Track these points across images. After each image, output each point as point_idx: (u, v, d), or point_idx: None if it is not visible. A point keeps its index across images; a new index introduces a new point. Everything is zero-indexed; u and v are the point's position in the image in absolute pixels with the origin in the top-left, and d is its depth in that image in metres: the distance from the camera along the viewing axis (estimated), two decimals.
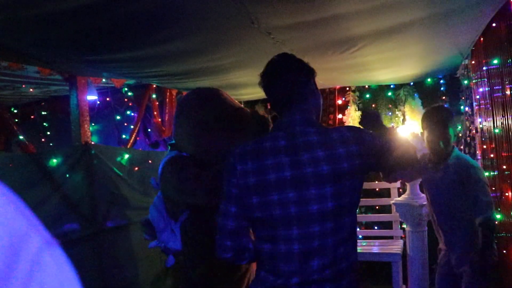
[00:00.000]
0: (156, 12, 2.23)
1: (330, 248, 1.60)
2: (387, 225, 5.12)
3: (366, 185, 5.35)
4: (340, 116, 5.53)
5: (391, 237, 5.02)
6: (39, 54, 3.00)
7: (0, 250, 0.47)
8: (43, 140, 6.73)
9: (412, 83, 5.25)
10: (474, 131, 4.40)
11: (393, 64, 4.23)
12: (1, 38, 2.61)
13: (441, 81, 5.13)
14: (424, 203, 4.20)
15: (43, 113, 6.95)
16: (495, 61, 3.02)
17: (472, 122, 4.53)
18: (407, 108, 5.23)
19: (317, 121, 1.76)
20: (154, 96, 5.24)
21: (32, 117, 6.64)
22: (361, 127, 1.73)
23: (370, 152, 1.66)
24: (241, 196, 1.65)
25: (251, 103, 5.75)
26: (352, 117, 5.40)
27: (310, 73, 1.80)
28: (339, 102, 5.54)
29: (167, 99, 5.26)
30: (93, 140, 6.24)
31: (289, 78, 1.73)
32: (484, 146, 3.80)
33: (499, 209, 3.20)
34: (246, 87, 4.56)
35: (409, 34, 3.19)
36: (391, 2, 2.46)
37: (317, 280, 1.59)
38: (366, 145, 1.66)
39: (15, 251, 0.48)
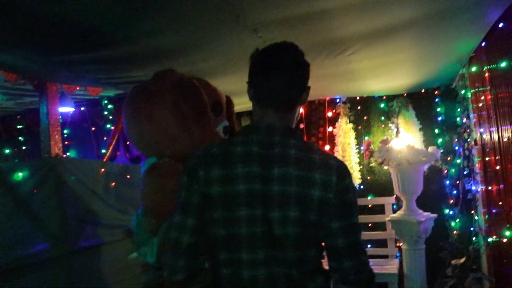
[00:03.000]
0: (127, 5, 1.97)
1: (295, 279, 1.38)
2: (382, 243, 4.84)
3: (359, 201, 5.08)
4: (330, 129, 5.27)
5: (386, 256, 4.73)
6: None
7: None
8: (20, 154, 6.42)
9: (405, 94, 5.03)
10: (473, 143, 4.17)
11: (386, 72, 4.02)
12: None
13: (436, 92, 4.91)
14: (422, 219, 3.95)
15: (18, 126, 6.64)
16: (503, 64, 2.77)
17: (469, 134, 4.32)
18: (400, 120, 5.00)
19: (299, 132, 1.49)
20: None
21: (11, 132, 6.34)
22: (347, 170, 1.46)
23: (339, 202, 1.37)
24: (202, 207, 1.39)
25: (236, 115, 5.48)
26: (343, 130, 5.15)
27: (307, 73, 1.48)
28: (329, 114, 5.29)
29: None
30: (71, 155, 5.93)
31: (285, 74, 1.42)
32: (487, 158, 3.55)
33: (508, 225, 2.94)
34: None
35: (405, 37, 2.98)
36: None
37: None
38: (341, 189, 1.38)
39: None
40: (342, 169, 1.41)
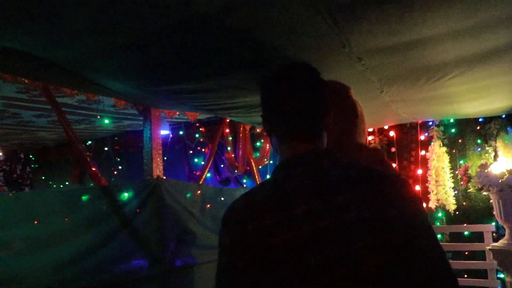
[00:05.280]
0: (234, 35, 2.06)
1: None
2: (481, 274, 4.58)
3: (454, 228, 4.87)
4: (423, 152, 5.13)
5: None
6: (113, 85, 2.93)
7: None
8: (115, 172, 6.81)
9: (504, 116, 4.79)
10: None
11: (484, 95, 3.85)
12: (79, 69, 2.54)
13: None
14: None
15: (116, 147, 7.05)
16: None
17: None
18: (499, 143, 4.77)
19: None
20: (227, 131, 5.11)
21: (105, 149, 6.76)
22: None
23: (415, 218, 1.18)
24: (255, 273, 1.11)
25: None
26: (436, 153, 5.00)
27: (327, 94, 1.33)
28: (422, 137, 5.16)
29: (240, 134, 5.11)
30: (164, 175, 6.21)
31: (307, 99, 1.26)
32: None
33: None
34: None
35: (508, 59, 2.84)
36: (493, 20, 2.15)
37: None
38: (415, 202, 1.21)
39: None
40: (406, 182, 1.26)
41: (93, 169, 3.50)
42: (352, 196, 1.14)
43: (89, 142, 6.99)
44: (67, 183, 7.34)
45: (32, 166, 8.36)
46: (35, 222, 2.87)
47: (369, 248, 1.10)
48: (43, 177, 8.27)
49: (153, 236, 3.66)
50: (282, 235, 1.10)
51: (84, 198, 3.31)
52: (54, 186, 7.73)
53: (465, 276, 4.70)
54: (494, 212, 4.12)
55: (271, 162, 5.56)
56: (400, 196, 1.19)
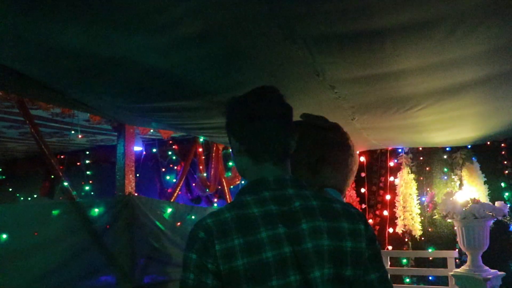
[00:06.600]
0: (214, 60, 2.13)
1: None
2: None
3: (419, 253, 4.99)
4: (392, 178, 5.26)
5: None
6: (90, 101, 2.95)
7: None
8: (86, 188, 6.72)
9: (469, 146, 4.97)
10: None
11: (451, 126, 4.00)
12: (55, 84, 2.56)
13: (502, 144, 4.82)
14: (489, 276, 3.83)
15: (87, 161, 6.98)
16: None
17: None
18: (464, 173, 4.94)
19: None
20: (200, 150, 5.15)
21: (78, 164, 6.68)
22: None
23: (371, 252, 1.28)
24: None
25: None
26: (404, 180, 5.13)
27: (292, 117, 1.38)
28: (391, 164, 5.30)
29: (213, 154, 5.15)
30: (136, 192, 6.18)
31: (278, 120, 1.30)
32: None
33: None
34: None
35: (475, 93, 2.98)
36: (463, 57, 2.27)
37: None
38: (370, 237, 1.29)
39: None
40: (364, 217, 1.33)
41: (65, 184, 3.48)
42: (313, 227, 1.21)
43: (61, 155, 6.90)
44: (35, 196, 7.22)
45: None
46: (3, 235, 2.83)
47: (325, 276, 1.18)
48: (10, 189, 8.11)
49: (122, 252, 3.65)
50: (247, 257, 1.14)
51: (54, 212, 3.28)
52: (22, 198, 7.59)
53: None
54: (458, 239, 4.24)
55: (242, 182, 5.61)
56: (357, 231, 1.26)
